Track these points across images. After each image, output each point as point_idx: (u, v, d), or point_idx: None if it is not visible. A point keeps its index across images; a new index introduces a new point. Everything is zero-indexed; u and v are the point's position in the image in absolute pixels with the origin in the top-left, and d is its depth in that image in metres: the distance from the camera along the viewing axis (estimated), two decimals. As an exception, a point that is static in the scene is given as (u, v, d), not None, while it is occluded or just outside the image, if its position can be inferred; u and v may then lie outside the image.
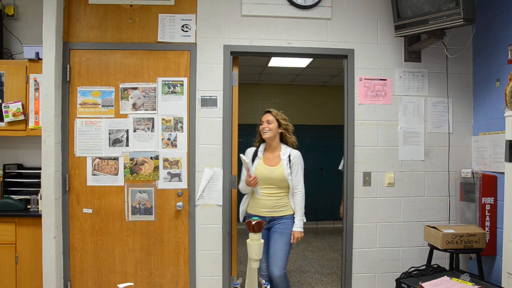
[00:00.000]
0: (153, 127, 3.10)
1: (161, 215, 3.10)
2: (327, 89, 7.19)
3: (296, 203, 2.85)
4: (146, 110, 3.10)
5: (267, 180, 2.84)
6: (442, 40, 2.99)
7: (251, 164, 2.85)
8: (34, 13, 3.21)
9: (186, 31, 3.13)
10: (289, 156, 2.86)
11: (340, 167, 3.74)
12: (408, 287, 2.49)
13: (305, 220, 2.88)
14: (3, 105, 3.01)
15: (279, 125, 2.90)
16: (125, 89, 3.10)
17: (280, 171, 2.82)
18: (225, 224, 3.12)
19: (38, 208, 3.05)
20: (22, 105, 3.02)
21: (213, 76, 3.14)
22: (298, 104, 7.22)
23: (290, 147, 2.92)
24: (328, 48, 3.23)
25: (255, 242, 1.54)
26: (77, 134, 3.07)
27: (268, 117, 2.89)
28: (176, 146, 3.11)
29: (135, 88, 3.11)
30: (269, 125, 2.87)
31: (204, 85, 3.13)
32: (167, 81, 3.12)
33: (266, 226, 2.84)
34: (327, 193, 6.82)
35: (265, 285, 1.84)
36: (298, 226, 2.83)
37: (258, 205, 2.88)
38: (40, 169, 2.92)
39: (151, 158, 3.09)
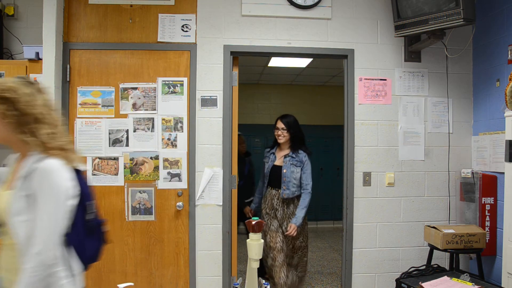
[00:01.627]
0: (153, 127, 3.10)
1: (161, 215, 3.10)
2: (327, 89, 7.19)
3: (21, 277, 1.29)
4: (146, 110, 3.10)
5: None
6: (442, 40, 2.99)
7: None
8: (34, 13, 3.20)
9: (186, 31, 3.13)
10: (27, 174, 1.35)
11: None
12: (408, 287, 2.49)
13: None
14: (3, 105, 3.01)
15: (9, 111, 1.36)
16: (125, 89, 3.10)
17: (2, 202, 1.39)
18: (225, 224, 3.12)
19: (38, 208, 3.04)
20: (22, 105, 3.02)
21: (213, 76, 3.14)
22: (298, 104, 7.22)
23: (48, 154, 1.37)
24: (328, 48, 3.23)
25: (255, 242, 1.54)
26: (77, 134, 3.07)
27: None
28: (176, 146, 3.11)
29: (135, 88, 3.11)
30: None
31: (204, 85, 3.13)
32: (167, 81, 3.12)
33: None
34: (327, 193, 6.82)
35: (265, 285, 1.84)
36: None
37: None
38: (40, 169, 2.92)
39: (151, 158, 3.09)
